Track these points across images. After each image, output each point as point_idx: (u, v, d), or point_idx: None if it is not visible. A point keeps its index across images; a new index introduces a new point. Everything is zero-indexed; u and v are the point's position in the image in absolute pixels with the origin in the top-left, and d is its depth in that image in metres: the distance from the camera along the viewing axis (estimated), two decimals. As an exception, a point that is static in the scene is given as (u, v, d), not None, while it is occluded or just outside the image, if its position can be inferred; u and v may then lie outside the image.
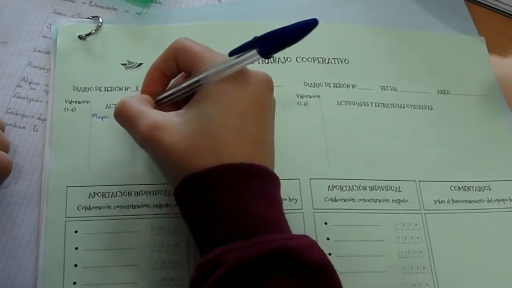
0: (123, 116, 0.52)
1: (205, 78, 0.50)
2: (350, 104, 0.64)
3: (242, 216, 0.46)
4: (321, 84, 0.65)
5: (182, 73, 0.55)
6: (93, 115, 0.60)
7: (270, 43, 0.47)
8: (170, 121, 0.49)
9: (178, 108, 0.52)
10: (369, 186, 0.60)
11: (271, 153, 0.51)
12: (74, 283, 0.53)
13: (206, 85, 0.50)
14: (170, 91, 0.53)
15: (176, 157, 0.48)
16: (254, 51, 0.48)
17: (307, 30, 0.46)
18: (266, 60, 0.64)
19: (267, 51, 0.48)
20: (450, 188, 0.62)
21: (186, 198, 0.49)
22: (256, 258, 0.43)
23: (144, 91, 0.55)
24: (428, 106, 0.66)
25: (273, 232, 0.45)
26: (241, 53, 0.49)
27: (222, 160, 0.47)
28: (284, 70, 0.65)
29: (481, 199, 0.62)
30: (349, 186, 0.60)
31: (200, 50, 0.52)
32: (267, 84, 0.51)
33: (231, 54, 0.50)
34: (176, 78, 0.56)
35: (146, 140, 0.50)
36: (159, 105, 0.54)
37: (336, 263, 0.55)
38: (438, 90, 0.67)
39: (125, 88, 0.62)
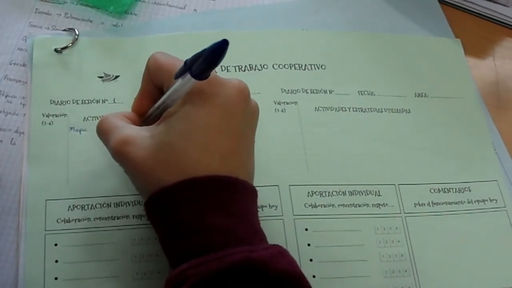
0: (100, 131, 0.52)
1: (167, 98, 0.50)
2: (328, 109, 0.64)
3: (206, 230, 0.45)
4: (298, 91, 0.65)
5: None
6: (71, 128, 0.60)
7: (197, 66, 0.45)
8: (140, 136, 0.49)
9: None
10: (348, 191, 0.60)
11: (245, 163, 0.50)
12: (55, 296, 0.53)
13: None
14: (150, 110, 0.53)
15: (143, 172, 0.48)
16: (188, 75, 0.46)
17: (221, 51, 0.43)
18: (243, 67, 0.65)
19: (197, 74, 0.45)
20: (430, 191, 0.62)
21: (153, 213, 0.49)
22: (218, 273, 0.43)
23: (134, 110, 0.55)
24: (406, 110, 0.66)
25: (239, 245, 0.45)
26: (181, 76, 0.47)
27: (187, 174, 0.46)
28: (261, 77, 0.65)
29: (461, 201, 0.62)
30: (329, 192, 0.60)
31: (168, 66, 0.51)
32: (240, 93, 0.49)
33: (176, 77, 0.48)
34: None
35: (116, 154, 0.50)
36: (148, 122, 0.54)
37: (318, 269, 0.56)
38: (415, 94, 0.68)
39: (102, 100, 0.62)
